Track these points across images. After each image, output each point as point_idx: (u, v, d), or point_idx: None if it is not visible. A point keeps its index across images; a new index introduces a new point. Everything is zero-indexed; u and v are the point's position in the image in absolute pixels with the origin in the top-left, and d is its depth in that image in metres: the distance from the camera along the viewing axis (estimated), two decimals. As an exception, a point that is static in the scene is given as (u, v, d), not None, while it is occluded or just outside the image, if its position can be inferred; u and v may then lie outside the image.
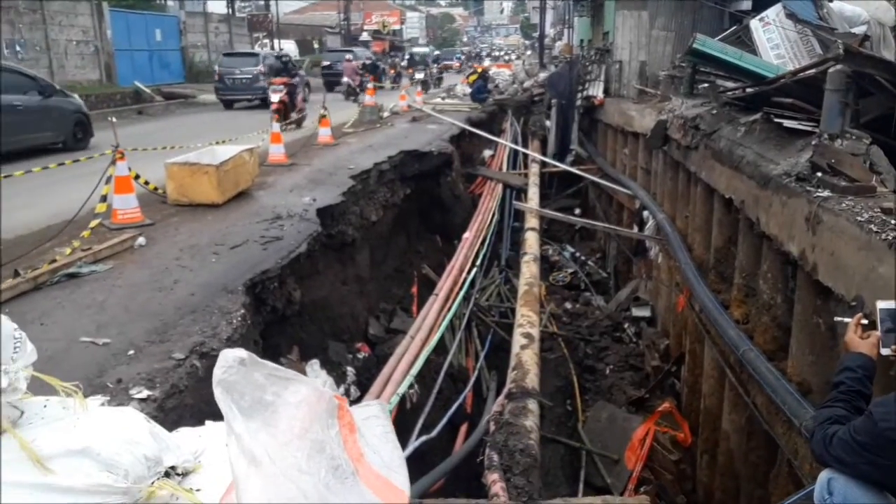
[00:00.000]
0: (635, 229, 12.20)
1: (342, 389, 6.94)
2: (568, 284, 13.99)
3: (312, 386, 2.10)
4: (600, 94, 15.95)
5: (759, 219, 6.01)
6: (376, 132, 13.28)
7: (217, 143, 8.84)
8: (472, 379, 8.05)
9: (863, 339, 2.08)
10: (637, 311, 12.39)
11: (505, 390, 5.21)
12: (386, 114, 15.46)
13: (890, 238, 3.62)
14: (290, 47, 36.97)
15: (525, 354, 4.77)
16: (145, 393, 2.97)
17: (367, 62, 29.18)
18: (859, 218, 4.04)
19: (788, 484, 5.67)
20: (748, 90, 7.12)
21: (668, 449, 8.64)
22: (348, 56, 27.91)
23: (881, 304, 2.08)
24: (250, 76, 21.77)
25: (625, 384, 10.59)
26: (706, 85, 10.54)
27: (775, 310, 6.10)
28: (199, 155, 7.80)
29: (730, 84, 8.58)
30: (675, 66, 13.04)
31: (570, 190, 16.90)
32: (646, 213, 11.63)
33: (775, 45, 10.87)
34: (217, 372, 1.87)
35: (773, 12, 11.85)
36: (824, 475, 1.93)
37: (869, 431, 1.75)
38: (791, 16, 11.42)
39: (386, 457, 2.25)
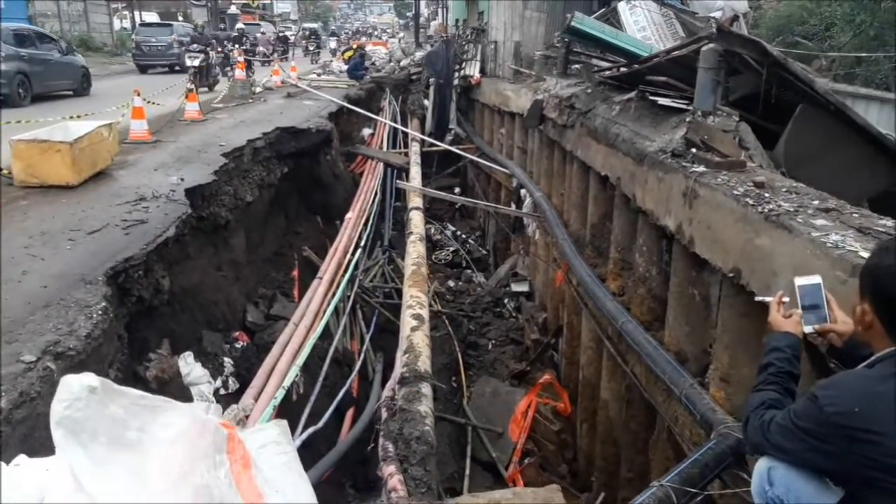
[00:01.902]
0: (513, 207, 12.41)
1: (219, 381, 6.54)
2: (450, 262, 14.07)
3: (192, 414, 1.73)
4: (477, 74, 16.03)
5: (635, 195, 6.19)
6: (248, 108, 12.62)
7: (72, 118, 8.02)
8: (359, 362, 7.85)
9: (786, 318, 2.03)
10: (516, 287, 12.68)
11: (396, 374, 5.07)
12: (258, 89, 14.76)
13: (766, 210, 3.77)
14: (151, 19, 34.55)
15: (416, 336, 4.64)
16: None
17: (280, 35, 30.03)
18: (735, 192, 4.20)
19: (668, 449, 5.93)
20: (623, 69, 7.30)
21: (550, 419, 8.89)
22: (262, 29, 32.70)
23: (799, 281, 2.04)
24: (165, 44, 24.71)
25: (507, 358, 10.80)
26: (579, 65, 10.80)
27: (651, 282, 6.33)
28: (50, 131, 7.02)
29: (604, 64, 8.79)
30: (549, 46, 13.29)
31: (450, 169, 16.94)
32: (523, 192, 11.84)
33: (641, 27, 11.32)
34: (57, 408, 1.45)
35: (641, -6, 12.34)
36: (763, 464, 1.83)
37: (813, 417, 1.65)
38: (657, -1, 11.94)
39: (290, 494, 1.91)
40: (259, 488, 1.79)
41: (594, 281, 7.25)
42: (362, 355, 8.45)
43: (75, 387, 1.48)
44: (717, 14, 12.84)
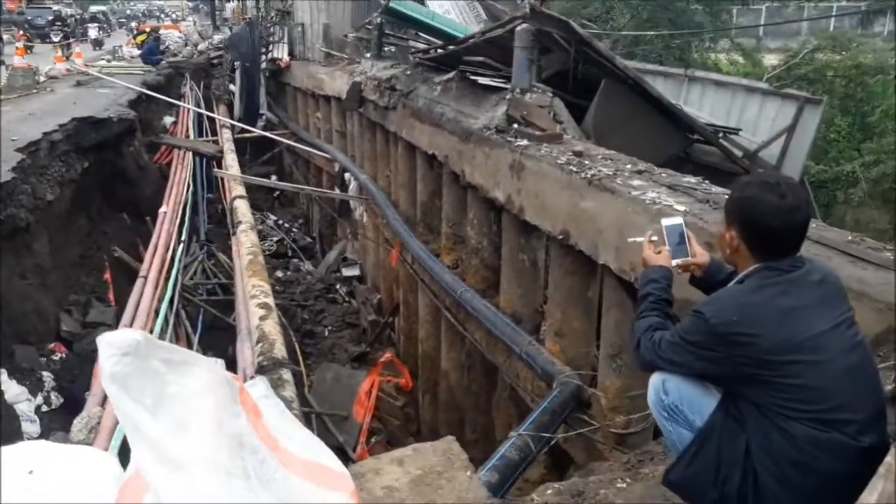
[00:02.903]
0: (338, 191, 12.38)
1: (40, 398, 5.97)
2: (275, 253, 13.74)
3: (207, 366, 1.72)
4: (286, 57, 15.66)
5: (463, 171, 6.50)
6: (34, 98, 11.32)
7: None
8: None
9: (657, 255, 2.30)
10: (347, 271, 12.72)
11: (245, 366, 4.95)
12: (42, 78, 13.28)
13: (589, 176, 4.18)
14: None
15: (267, 325, 4.57)
16: None
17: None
18: (559, 161, 4.59)
19: (510, 406, 6.37)
20: (440, 50, 7.57)
21: (393, 396, 9.11)
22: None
23: (665, 222, 2.33)
24: None
25: (345, 342, 10.87)
26: (393, 47, 10.98)
27: (483, 252, 6.71)
28: None
29: (420, 45, 9.03)
30: (360, 27, 13.32)
31: (265, 157, 16.46)
32: (347, 175, 11.84)
33: (446, 10, 11.72)
34: (107, 365, 1.42)
35: (441, -21, 12.75)
36: (657, 378, 2.10)
37: (700, 330, 1.92)
38: (461, -16, 12.41)
39: (298, 438, 1.93)
40: (272, 434, 1.79)
41: (430, 256, 7.50)
42: (196, 355, 8.06)
43: (122, 343, 1.41)
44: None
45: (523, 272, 5.85)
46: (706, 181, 4.06)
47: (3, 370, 5.47)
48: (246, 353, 5.09)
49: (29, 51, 17.05)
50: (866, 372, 1.89)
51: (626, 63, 5.93)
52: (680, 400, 2.02)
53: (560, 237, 4.59)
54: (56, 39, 24.52)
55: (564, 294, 5.05)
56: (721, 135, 6.74)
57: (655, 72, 8.62)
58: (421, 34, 9.39)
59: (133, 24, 35.71)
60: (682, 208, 3.53)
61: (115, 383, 1.51)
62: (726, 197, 2.04)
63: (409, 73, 8.53)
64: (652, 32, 14.69)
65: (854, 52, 17.73)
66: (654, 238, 2.32)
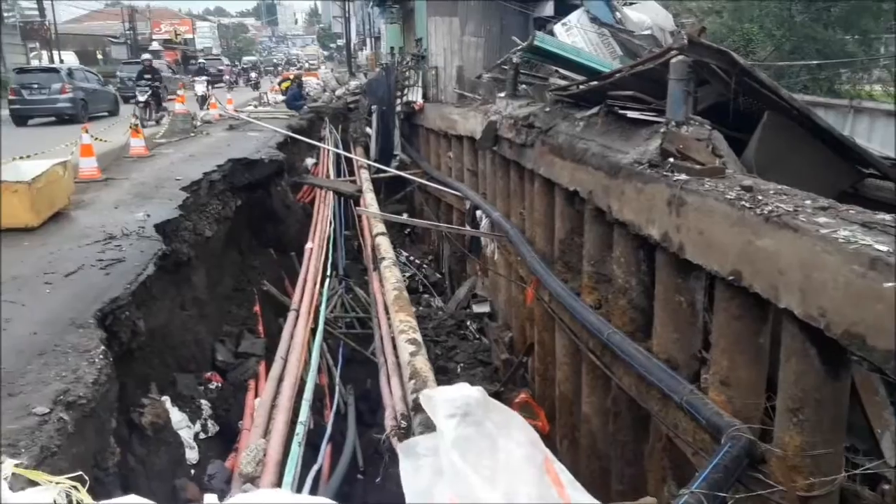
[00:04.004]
0: (469, 228, 12.45)
1: (198, 425, 6.25)
2: (407, 288, 13.95)
3: (524, 428, 1.69)
4: (420, 100, 16.12)
5: (610, 207, 6.28)
6: (192, 141, 12.29)
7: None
8: (337, 397, 7.65)
9: None
10: (478, 308, 12.69)
11: (393, 403, 4.95)
12: (198, 123, 14.41)
13: (766, 212, 3.88)
14: (70, 59, 33.42)
15: (418, 361, 4.55)
16: (9, 463, 2.32)
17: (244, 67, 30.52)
18: (728, 196, 4.31)
19: (664, 458, 5.96)
20: (583, 86, 7.46)
21: (528, 440, 8.88)
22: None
23: None
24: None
25: (477, 380, 10.75)
26: (527, 86, 11.00)
27: (631, 292, 6.41)
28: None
29: (559, 82, 8.97)
30: (493, 67, 13.50)
31: (398, 195, 16.91)
32: (479, 213, 11.90)
33: (580, 47, 11.63)
34: (448, 427, 1.37)
35: (576, 17, 12.72)
36: None
37: None
38: (594, 20, 12.32)
39: None
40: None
41: (570, 295, 7.29)
42: (337, 389, 8.24)
43: (462, 401, 1.40)
44: (647, 33, 13.36)
45: (679, 314, 5.52)
46: (904, 218, 3.65)
47: (167, 398, 5.77)
48: (395, 389, 5.10)
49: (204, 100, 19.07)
50: None
51: (791, 94, 5.55)
52: None
53: (730, 278, 4.27)
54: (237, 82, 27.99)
55: (731, 340, 4.69)
56: (900, 168, 6.15)
57: (815, 103, 8.07)
58: (560, 70, 9.34)
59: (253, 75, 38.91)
60: (883, 248, 3.18)
61: (456, 449, 1.43)
62: None
63: (547, 109, 8.46)
64: (800, 63, 13.89)
65: None
66: None
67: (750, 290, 4.12)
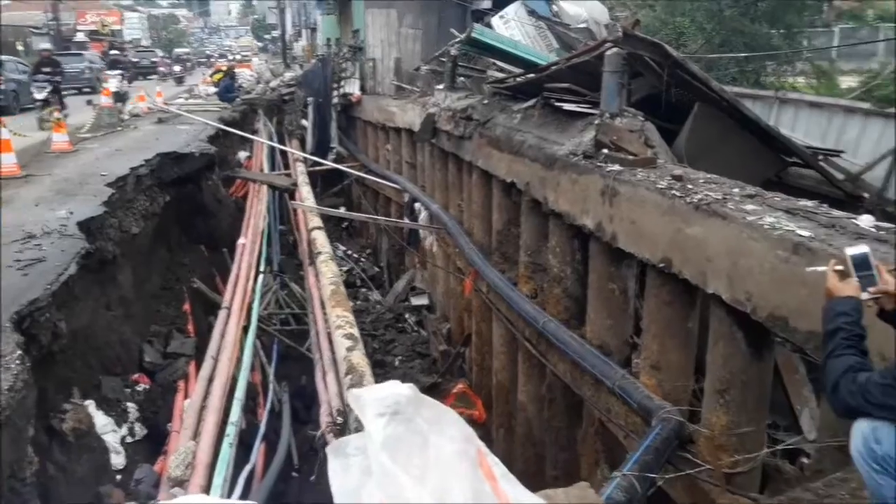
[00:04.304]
0: (408, 221, 12.39)
1: (125, 429, 6.00)
2: (345, 282, 13.79)
3: (456, 422, 1.66)
4: (357, 92, 15.94)
5: (546, 198, 6.32)
6: (119, 135, 11.79)
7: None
8: (270, 395, 7.47)
9: (844, 285, 2.09)
10: (416, 301, 12.65)
11: (329, 399, 4.86)
12: (126, 116, 13.85)
13: (696, 200, 3.95)
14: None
15: (354, 356, 4.47)
16: None
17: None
18: (658, 186, 4.38)
19: (597, 443, 6.07)
20: (520, 78, 7.49)
21: (467, 430, 8.91)
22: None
23: (850, 251, 2.13)
24: None
25: (415, 372, 10.74)
26: (465, 79, 10.98)
27: (566, 281, 6.48)
28: None
29: (498, 75, 8.98)
30: (431, 60, 13.44)
31: (335, 189, 16.68)
32: (417, 205, 11.85)
33: (517, 40, 11.67)
34: (376, 427, 1.36)
35: (513, 10, 12.74)
36: (865, 426, 1.87)
37: None
38: (532, 13, 12.38)
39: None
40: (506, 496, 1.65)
41: (507, 285, 7.33)
42: (271, 387, 8.05)
43: (391, 400, 1.32)
44: (583, 26, 13.52)
45: (612, 302, 5.61)
46: (824, 205, 3.77)
47: (91, 402, 5.51)
48: (331, 385, 5.00)
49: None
50: None
51: (721, 86, 5.69)
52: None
53: (660, 265, 4.35)
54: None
55: (662, 325, 4.78)
56: (821, 157, 6.39)
57: (743, 94, 8.31)
58: (497, 63, 9.34)
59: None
60: (805, 233, 3.27)
61: (386, 449, 1.37)
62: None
63: (485, 102, 8.46)
64: (729, 55, 14.31)
65: (939, 72, 16.89)
66: (839, 268, 2.08)
67: (679, 276, 4.20)
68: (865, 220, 3.33)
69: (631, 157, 5.07)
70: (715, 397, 4.16)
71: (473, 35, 8.32)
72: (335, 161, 15.52)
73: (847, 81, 19.99)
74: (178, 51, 46.86)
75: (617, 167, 5.03)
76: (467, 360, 10.05)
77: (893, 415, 1.76)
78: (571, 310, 6.49)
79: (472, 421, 8.87)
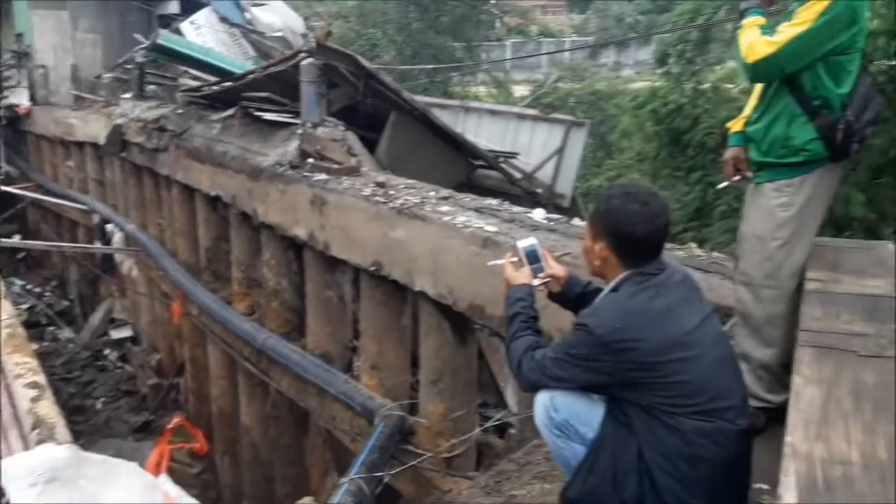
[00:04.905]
0: (99, 246, 11.22)
1: None
2: (26, 322, 11.98)
3: (132, 473, 1.31)
4: (26, 103, 13.99)
5: (255, 210, 6.18)
6: None
7: None
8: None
9: (518, 274, 2.28)
10: (117, 333, 11.52)
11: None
12: None
13: (398, 205, 4.17)
14: None
15: (41, 407, 3.91)
16: None
17: None
18: (364, 193, 4.53)
19: (325, 451, 6.10)
20: (216, 87, 7.20)
21: (188, 464, 8.33)
22: None
23: (521, 244, 2.34)
24: None
25: (123, 413, 9.84)
26: (156, 86, 10.26)
27: (283, 293, 6.41)
28: None
29: (191, 83, 8.52)
30: (116, 67, 12.34)
31: (5, 215, 14.43)
32: (110, 227, 10.79)
33: (210, 48, 11.25)
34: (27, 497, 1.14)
35: (203, 16, 12.25)
36: (544, 396, 2.05)
37: (585, 342, 1.93)
38: (224, 19, 12.01)
39: None
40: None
41: (221, 305, 7.02)
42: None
43: (43, 466, 0.97)
44: (278, 34, 13.49)
45: (331, 309, 5.68)
46: (506, 203, 4.24)
47: None
48: (13, 444, 4.30)
49: None
50: (732, 360, 2.04)
51: (412, 96, 6.08)
52: (570, 415, 2.01)
53: (372, 269, 4.51)
54: None
55: (378, 326, 4.97)
56: (501, 159, 7.16)
57: (434, 104, 8.96)
58: (190, 71, 8.87)
59: None
60: (493, 229, 3.64)
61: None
62: (594, 210, 2.10)
63: (180, 111, 7.99)
64: (418, 67, 15.40)
65: (590, 81, 20.15)
66: (514, 259, 2.32)
67: (390, 277, 4.40)
68: (538, 214, 3.83)
69: (336, 166, 5.18)
70: (430, 387, 4.43)
71: (160, 42, 7.81)
72: (3, 183, 13.44)
73: (520, 90, 22.87)
74: None
75: (324, 176, 5.11)
76: (182, 391, 9.45)
77: (565, 384, 2.02)
78: (292, 322, 6.44)
79: (193, 454, 8.32)
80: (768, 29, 2.23)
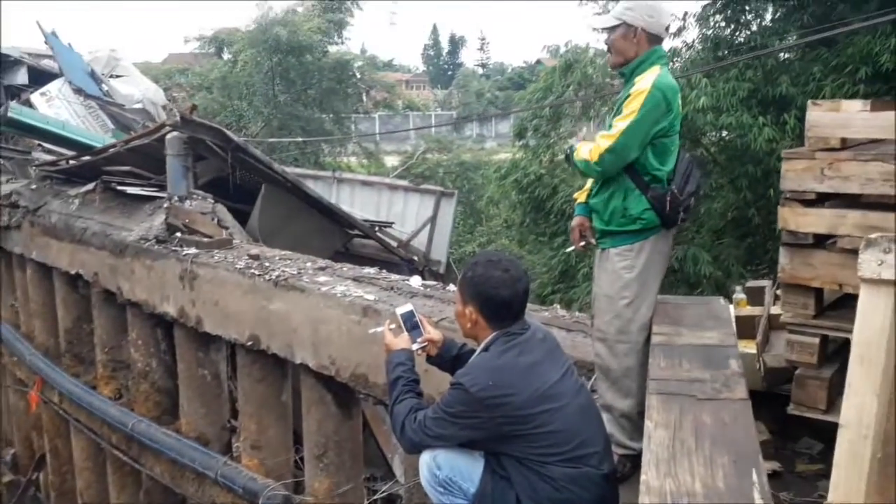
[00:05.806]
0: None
1: None
2: None
3: None
4: None
5: (120, 288, 5.92)
6: None
7: None
8: None
9: (398, 340, 2.36)
10: (-39, 429, 10.39)
11: None
12: None
13: (274, 277, 4.16)
14: None
15: None
16: None
17: None
18: (238, 266, 4.49)
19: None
20: (74, 161, 6.91)
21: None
22: None
23: (399, 310, 2.43)
24: None
25: (-31, 521, 8.81)
26: (2, 160, 9.66)
27: (152, 374, 6.11)
28: None
29: (46, 157, 8.10)
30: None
31: None
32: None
33: (64, 119, 10.77)
34: None
35: (56, 87, 11.71)
36: (427, 456, 2.13)
37: (461, 400, 2.04)
38: (79, 91, 11.53)
39: None
40: None
41: (85, 390, 6.59)
42: None
43: None
44: (138, 106, 13.11)
45: (205, 388, 5.49)
46: (383, 271, 4.35)
47: None
48: None
49: None
50: (593, 409, 2.23)
51: (283, 168, 6.13)
52: (453, 471, 2.11)
53: (249, 343, 4.44)
54: None
55: (257, 403, 4.86)
56: (377, 228, 7.30)
57: (306, 175, 9.02)
58: (44, 145, 8.44)
59: None
60: (372, 297, 3.73)
61: None
62: (462, 277, 2.24)
63: (34, 187, 7.57)
64: (288, 139, 15.42)
65: (456, 153, 21.03)
66: (393, 326, 2.43)
67: (269, 351, 4.35)
68: (415, 281, 3.96)
69: (206, 239, 5.10)
70: (314, 463, 4.37)
71: (10, 115, 7.41)
72: None
73: (390, 160, 23.41)
74: None
75: (193, 250, 5.01)
76: (42, 487, 8.67)
77: (446, 442, 2.14)
78: (163, 405, 6.13)
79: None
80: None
